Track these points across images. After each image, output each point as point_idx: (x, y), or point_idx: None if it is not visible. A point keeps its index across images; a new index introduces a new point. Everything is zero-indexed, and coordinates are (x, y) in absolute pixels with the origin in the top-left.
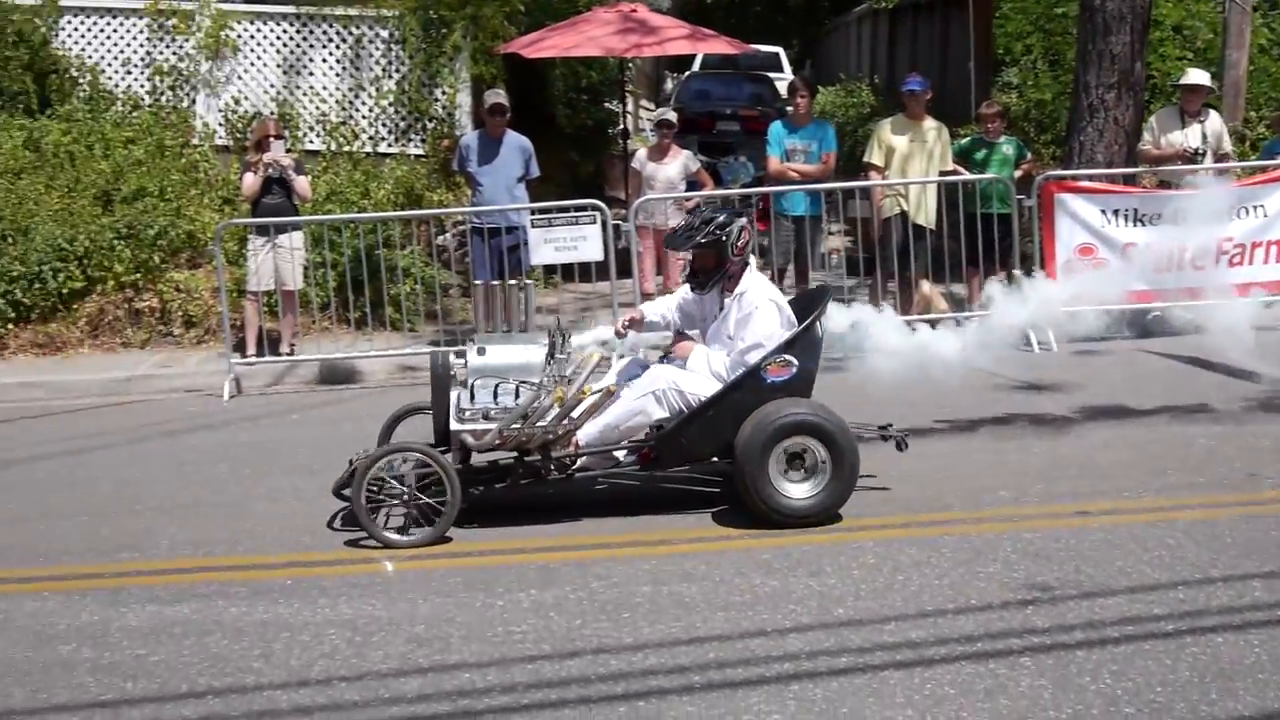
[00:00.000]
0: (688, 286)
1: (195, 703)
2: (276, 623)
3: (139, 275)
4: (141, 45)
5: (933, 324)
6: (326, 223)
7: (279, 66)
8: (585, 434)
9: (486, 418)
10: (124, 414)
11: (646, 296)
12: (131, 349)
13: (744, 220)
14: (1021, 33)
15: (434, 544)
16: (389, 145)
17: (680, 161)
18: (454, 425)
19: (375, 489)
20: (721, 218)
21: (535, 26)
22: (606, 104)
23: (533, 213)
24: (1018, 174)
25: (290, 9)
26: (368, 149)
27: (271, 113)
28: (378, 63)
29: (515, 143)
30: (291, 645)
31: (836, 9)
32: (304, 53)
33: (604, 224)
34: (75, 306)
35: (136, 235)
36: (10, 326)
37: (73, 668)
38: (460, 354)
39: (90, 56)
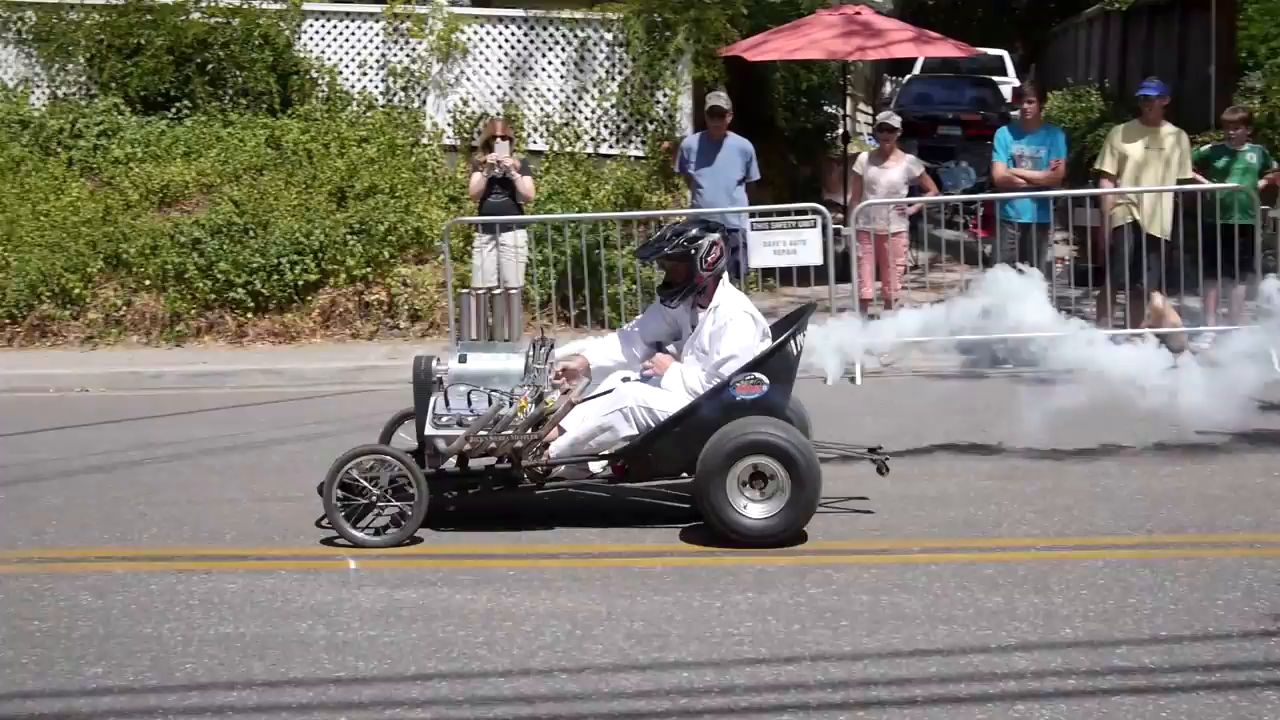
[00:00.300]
0: (636, 319)
1: (422, 685)
2: (500, 611)
3: (369, 269)
4: (377, 48)
5: (1161, 339)
6: (548, 222)
7: (506, 68)
8: (557, 446)
9: (460, 424)
10: (355, 401)
11: (865, 303)
12: (360, 340)
13: (716, 235)
14: (1267, 35)
15: (399, 545)
16: (610, 146)
17: (903, 166)
18: (428, 430)
19: (354, 488)
20: (693, 231)
21: (757, 29)
22: (826, 107)
23: (752, 215)
24: (1262, 184)
25: (519, 12)
26: (589, 150)
27: (498, 114)
28: (601, 65)
29: (736, 145)
30: (514, 634)
31: (1064, 11)
32: (530, 55)
33: (824, 228)
34: (309, 298)
35: (367, 231)
36: (250, 316)
37: (308, 645)
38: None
39: (329, 59)
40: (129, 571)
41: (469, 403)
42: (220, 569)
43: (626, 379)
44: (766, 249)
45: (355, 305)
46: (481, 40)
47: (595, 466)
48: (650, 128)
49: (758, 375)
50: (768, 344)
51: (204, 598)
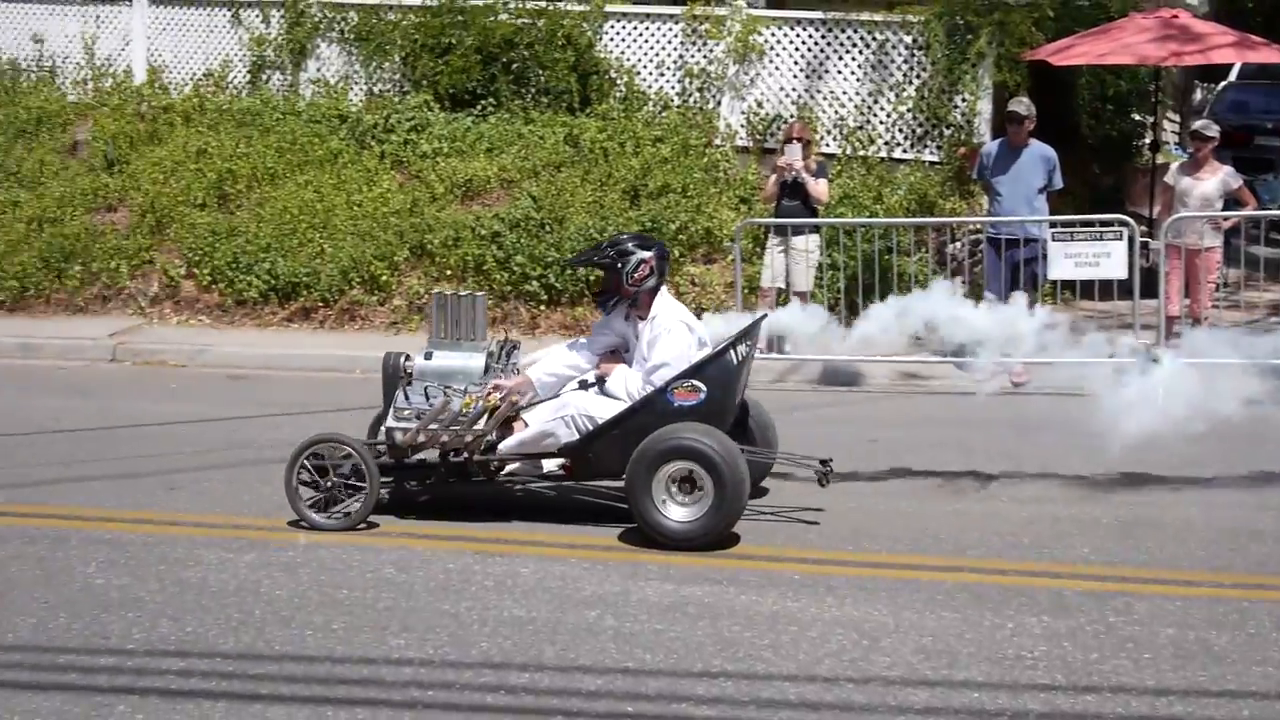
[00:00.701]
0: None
1: (708, 682)
2: (785, 615)
3: None
4: (675, 49)
5: None
6: (838, 226)
7: (801, 70)
8: (506, 444)
9: (418, 418)
10: None
11: (1171, 320)
12: None
13: (647, 254)
14: None
15: (349, 529)
16: (904, 151)
17: (1219, 178)
18: (389, 422)
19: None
20: (628, 246)
21: (1063, 33)
22: (1133, 115)
23: (1053, 225)
24: None
25: (816, 15)
26: (883, 154)
27: (792, 116)
28: (899, 68)
29: (1038, 153)
30: (799, 639)
31: None
32: (826, 57)
33: (1130, 241)
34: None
35: (659, 229)
36: (543, 308)
37: (596, 633)
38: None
39: (628, 59)
40: (428, 549)
41: (426, 398)
42: (514, 553)
43: (583, 384)
44: (1068, 261)
45: None
46: (779, 42)
47: (550, 465)
48: (947, 133)
49: (695, 383)
50: (705, 353)
51: (498, 580)
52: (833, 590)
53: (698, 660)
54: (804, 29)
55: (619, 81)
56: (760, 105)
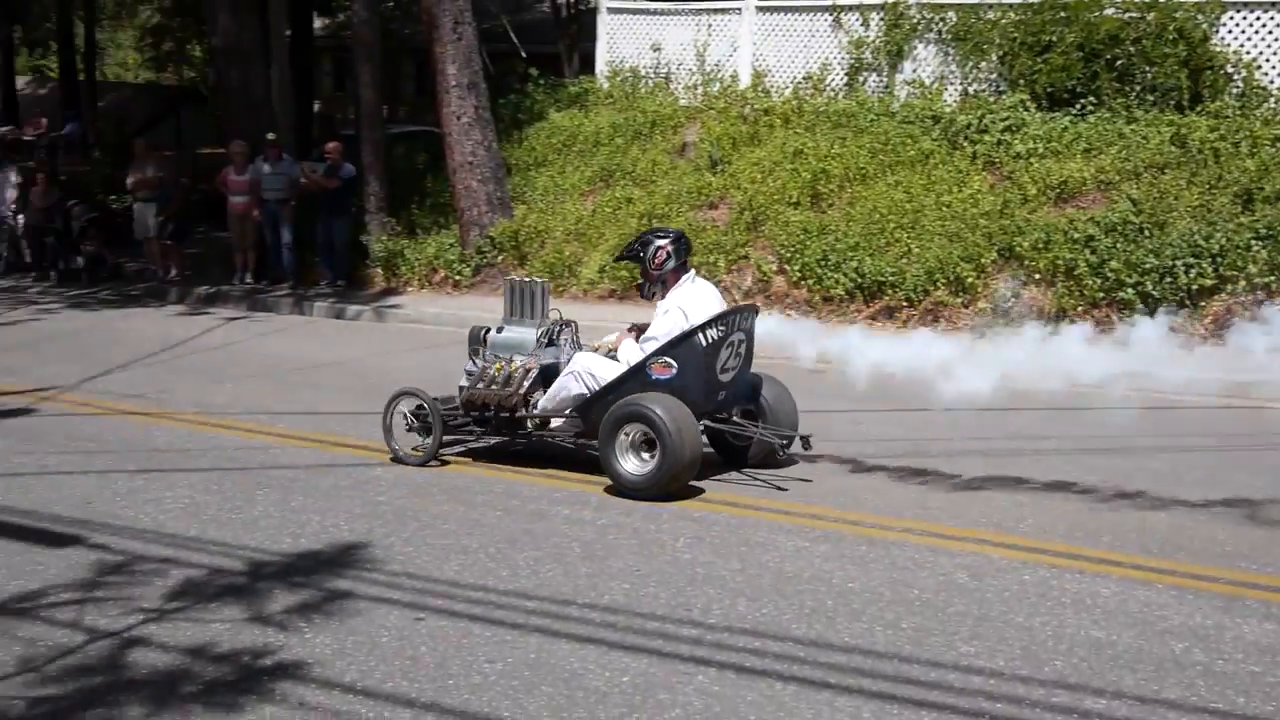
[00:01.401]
0: None
1: None
2: None
3: (1273, 278)
4: None
5: None
6: None
7: None
8: (541, 403)
9: (480, 380)
10: (1233, 418)
11: None
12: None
13: (664, 242)
14: None
15: (421, 464)
16: None
17: None
18: (460, 382)
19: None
20: (649, 237)
21: None
22: None
23: None
24: None
25: None
26: None
27: None
28: None
29: None
30: None
31: None
32: None
33: None
34: (1201, 304)
35: (1275, 237)
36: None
37: (1184, 667)
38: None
39: (1248, 52)
40: (1003, 558)
41: (488, 364)
42: (1093, 571)
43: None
44: None
45: (1251, 315)
46: None
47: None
48: None
49: (668, 359)
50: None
51: (1076, 598)
52: None
53: None
54: None
55: (1236, 77)
56: None
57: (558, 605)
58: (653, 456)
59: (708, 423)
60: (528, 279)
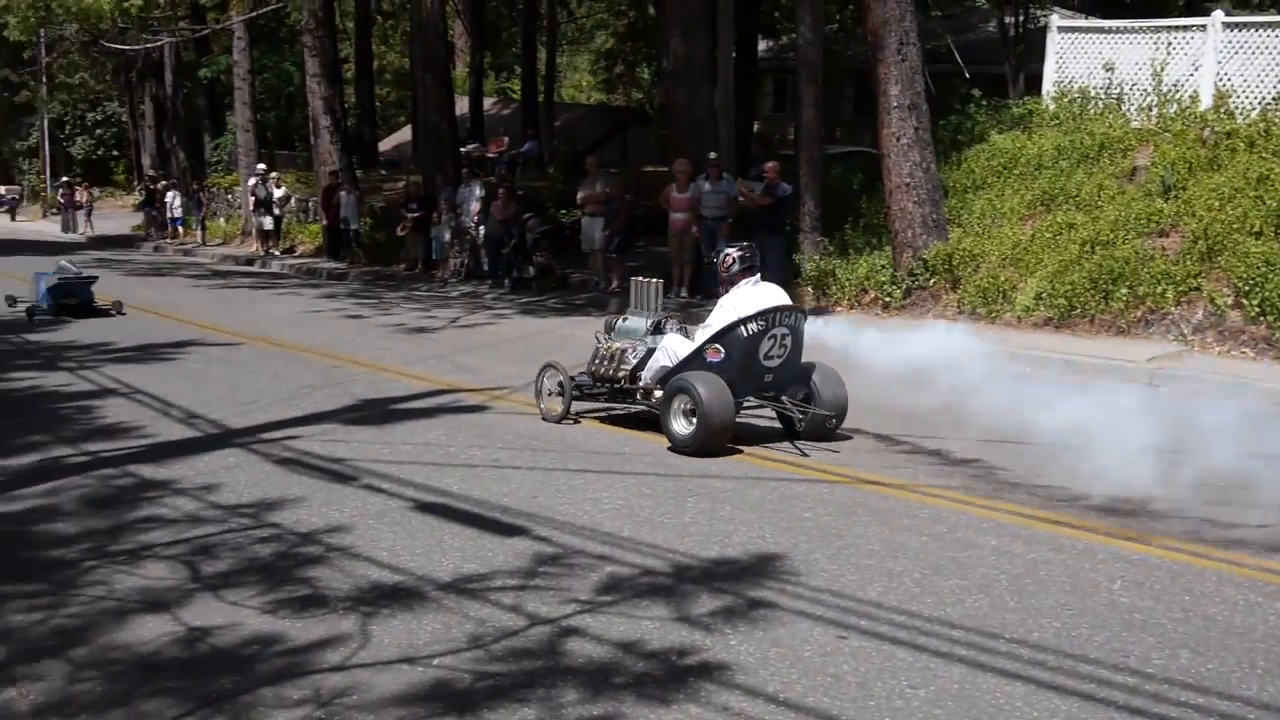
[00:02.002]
0: None
1: None
2: None
3: None
4: None
5: None
6: None
7: None
8: (643, 377)
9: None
10: None
11: None
12: None
13: (733, 250)
14: None
15: (557, 421)
16: None
17: None
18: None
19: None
20: (721, 248)
21: None
22: None
23: None
24: None
25: None
26: None
27: None
28: None
29: None
30: None
31: None
32: None
33: None
34: None
35: None
36: None
37: None
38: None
39: None
40: None
41: (605, 344)
42: None
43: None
44: None
45: None
46: None
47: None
48: None
49: (718, 345)
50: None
51: None
52: None
53: None
54: None
55: None
56: None
57: (984, 638)
58: (692, 423)
59: (755, 399)
60: (647, 280)
